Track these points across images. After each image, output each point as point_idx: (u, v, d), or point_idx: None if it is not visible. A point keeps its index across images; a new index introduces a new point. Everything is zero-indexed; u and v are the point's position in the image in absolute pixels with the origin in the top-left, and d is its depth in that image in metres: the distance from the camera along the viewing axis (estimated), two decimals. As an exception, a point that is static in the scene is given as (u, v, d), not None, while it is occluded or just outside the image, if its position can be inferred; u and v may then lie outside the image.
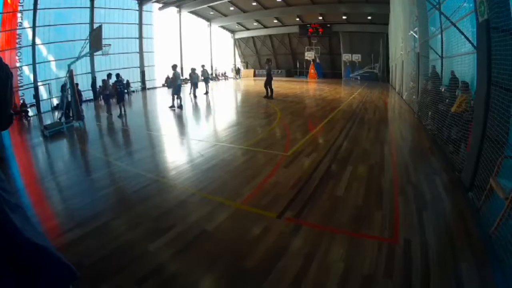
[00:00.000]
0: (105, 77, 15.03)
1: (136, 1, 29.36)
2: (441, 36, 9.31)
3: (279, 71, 43.91)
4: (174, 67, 15.54)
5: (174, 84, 15.15)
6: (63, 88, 13.42)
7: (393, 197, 4.64)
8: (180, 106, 14.86)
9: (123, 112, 13.42)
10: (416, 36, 11.54)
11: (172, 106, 14.87)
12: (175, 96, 14.83)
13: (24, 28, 20.28)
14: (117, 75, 15.02)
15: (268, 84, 17.82)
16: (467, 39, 5.73)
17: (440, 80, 8.84)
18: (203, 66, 23.21)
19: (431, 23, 10.50)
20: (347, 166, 6.00)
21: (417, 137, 8.81)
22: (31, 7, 20.35)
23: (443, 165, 6.07)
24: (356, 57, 38.04)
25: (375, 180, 5.32)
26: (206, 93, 21.76)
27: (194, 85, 20.18)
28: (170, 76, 19.03)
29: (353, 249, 3.33)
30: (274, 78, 18.56)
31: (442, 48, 9.28)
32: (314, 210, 4.18)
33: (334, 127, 9.55)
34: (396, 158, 6.64)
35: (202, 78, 23.18)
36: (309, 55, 40.78)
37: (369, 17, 33.85)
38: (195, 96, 19.86)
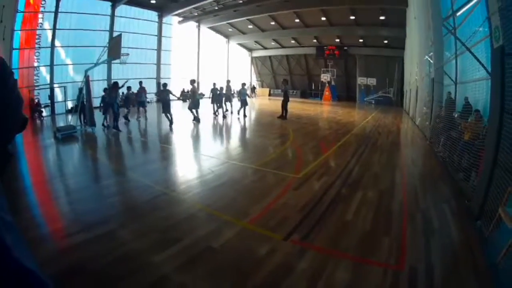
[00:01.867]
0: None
1: (157, 13, 29.87)
2: (456, 61, 9.24)
3: (294, 91, 43.95)
4: (192, 82, 15.61)
5: (192, 98, 15.28)
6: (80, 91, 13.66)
7: (401, 223, 4.54)
8: (197, 119, 14.97)
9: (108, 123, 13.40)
10: (431, 61, 11.48)
11: (194, 119, 15.12)
12: (194, 111, 14.96)
13: (44, 29, 20.74)
14: (128, 87, 15.60)
15: (285, 104, 17.48)
16: (482, 64, 5.66)
17: (454, 106, 8.74)
18: (228, 81, 21.06)
19: (446, 48, 10.43)
20: (357, 190, 5.89)
21: (428, 164, 8.69)
22: (53, 9, 20.85)
23: (453, 193, 5.94)
24: (371, 81, 37.97)
25: (385, 206, 5.22)
26: (226, 112, 19.65)
27: (243, 102, 18.23)
28: (188, 90, 19.00)
29: (358, 274, 3.25)
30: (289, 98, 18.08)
31: (456, 73, 9.19)
32: (321, 234, 4.10)
33: (346, 151, 9.45)
34: (406, 184, 6.54)
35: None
36: (324, 77, 40.80)
37: (385, 41, 33.92)
38: (244, 115, 18.23)
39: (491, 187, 4.20)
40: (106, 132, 12.35)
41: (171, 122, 13.58)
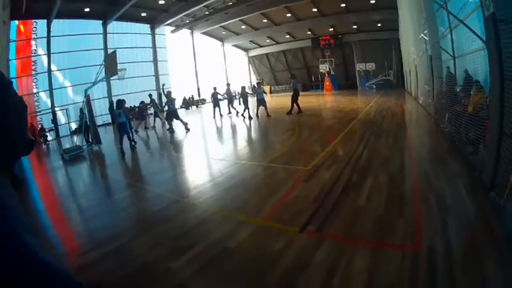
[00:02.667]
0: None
1: (149, 25, 30.02)
2: (451, 35, 9.17)
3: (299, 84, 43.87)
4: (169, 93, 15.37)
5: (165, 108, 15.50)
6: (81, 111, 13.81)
7: (414, 203, 4.49)
8: (171, 130, 14.66)
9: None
10: (426, 38, 11.41)
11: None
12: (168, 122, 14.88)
13: (39, 55, 21.02)
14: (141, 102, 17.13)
15: (295, 99, 16.99)
16: (476, 34, 5.61)
17: (455, 80, 8.67)
18: (228, 84, 21.44)
19: (440, 24, 10.35)
20: (367, 176, 5.85)
21: (435, 141, 8.63)
22: (44, 34, 21.08)
23: (463, 167, 5.89)
24: (370, 66, 37.89)
25: (396, 188, 5.17)
26: (229, 114, 19.93)
27: (261, 102, 16.93)
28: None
29: (376, 259, 3.22)
30: (289, 92, 17.46)
31: (453, 47, 9.13)
32: (336, 223, 4.07)
33: (352, 138, 9.41)
34: (415, 164, 6.48)
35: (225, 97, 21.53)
36: (323, 68, 40.81)
37: (379, 24, 33.82)
38: (267, 115, 17.06)
39: (500, 156, 4.15)
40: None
41: (186, 128, 14.32)
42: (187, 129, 14.18)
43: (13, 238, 1.70)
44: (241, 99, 19.41)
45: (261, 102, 16.89)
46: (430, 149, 7.96)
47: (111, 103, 23.67)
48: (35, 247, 1.85)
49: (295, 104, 17.04)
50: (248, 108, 17.83)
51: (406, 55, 24.87)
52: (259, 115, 17.29)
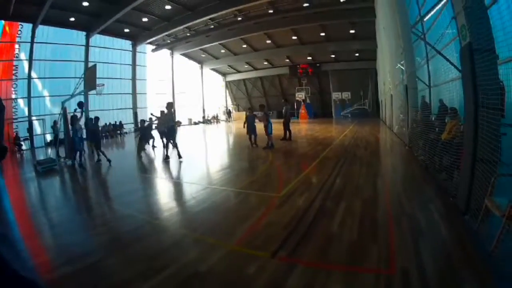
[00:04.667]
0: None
1: (130, 42, 29.98)
2: (427, 65, 9.49)
3: (271, 112, 44.25)
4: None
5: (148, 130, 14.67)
6: (56, 124, 13.41)
7: (388, 228, 4.50)
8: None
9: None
10: (403, 68, 11.76)
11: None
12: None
13: (21, 60, 20.57)
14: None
15: (287, 125, 16.04)
16: (452, 64, 5.83)
17: (430, 109, 8.93)
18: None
19: (417, 54, 10.70)
20: (340, 202, 5.83)
21: (409, 168, 8.77)
22: (29, 39, 20.74)
23: (437, 193, 5.99)
24: (346, 95, 38.79)
25: (369, 214, 5.16)
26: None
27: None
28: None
29: (350, 283, 3.18)
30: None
31: (429, 77, 9.44)
32: (308, 248, 4.00)
33: (326, 165, 9.40)
34: (389, 191, 6.54)
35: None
36: (299, 96, 41.32)
37: (357, 54, 34.87)
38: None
39: (474, 181, 4.25)
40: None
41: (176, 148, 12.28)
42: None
43: None
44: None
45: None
46: (404, 176, 8.08)
47: (86, 118, 23.14)
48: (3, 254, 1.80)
49: (287, 130, 16.22)
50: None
51: (382, 84, 25.57)
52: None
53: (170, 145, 12.51)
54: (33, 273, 2.00)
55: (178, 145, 12.29)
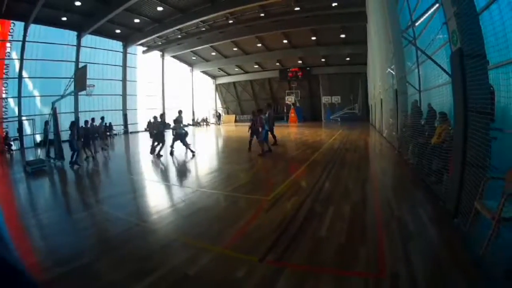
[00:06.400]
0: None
1: (121, 43, 29.78)
2: (418, 70, 9.58)
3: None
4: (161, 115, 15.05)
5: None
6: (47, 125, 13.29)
7: (376, 232, 4.51)
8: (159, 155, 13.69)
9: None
10: (393, 73, 11.85)
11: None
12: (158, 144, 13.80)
13: (12, 59, 20.30)
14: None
15: (271, 130, 15.22)
16: (442, 69, 5.87)
17: (421, 113, 9.00)
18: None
19: (408, 59, 10.82)
20: (329, 206, 5.83)
21: (398, 172, 8.83)
22: (20, 38, 20.53)
23: (427, 197, 6.03)
24: (336, 99, 38.95)
25: (358, 217, 5.19)
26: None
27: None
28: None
29: (339, 287, 3.18)
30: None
31: (419, 82, 9.52)
32: (297, 252, 3.98)
33: (315, 169, 9.39)
34: (378, 194, 6.57)
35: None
36: (289, 99, 41.44)
37: (348, 58, 35.10)
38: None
39: (463, 184, 4.29)
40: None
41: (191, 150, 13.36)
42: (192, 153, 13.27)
43: None
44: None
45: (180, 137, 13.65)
46: (393, 180, 8.13)
47: (76, 118, 22.74)
48: None
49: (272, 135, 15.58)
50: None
51: (372, 89, 25.77)
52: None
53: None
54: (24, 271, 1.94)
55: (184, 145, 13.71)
